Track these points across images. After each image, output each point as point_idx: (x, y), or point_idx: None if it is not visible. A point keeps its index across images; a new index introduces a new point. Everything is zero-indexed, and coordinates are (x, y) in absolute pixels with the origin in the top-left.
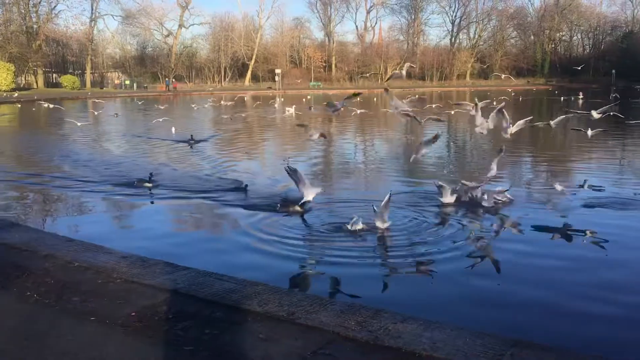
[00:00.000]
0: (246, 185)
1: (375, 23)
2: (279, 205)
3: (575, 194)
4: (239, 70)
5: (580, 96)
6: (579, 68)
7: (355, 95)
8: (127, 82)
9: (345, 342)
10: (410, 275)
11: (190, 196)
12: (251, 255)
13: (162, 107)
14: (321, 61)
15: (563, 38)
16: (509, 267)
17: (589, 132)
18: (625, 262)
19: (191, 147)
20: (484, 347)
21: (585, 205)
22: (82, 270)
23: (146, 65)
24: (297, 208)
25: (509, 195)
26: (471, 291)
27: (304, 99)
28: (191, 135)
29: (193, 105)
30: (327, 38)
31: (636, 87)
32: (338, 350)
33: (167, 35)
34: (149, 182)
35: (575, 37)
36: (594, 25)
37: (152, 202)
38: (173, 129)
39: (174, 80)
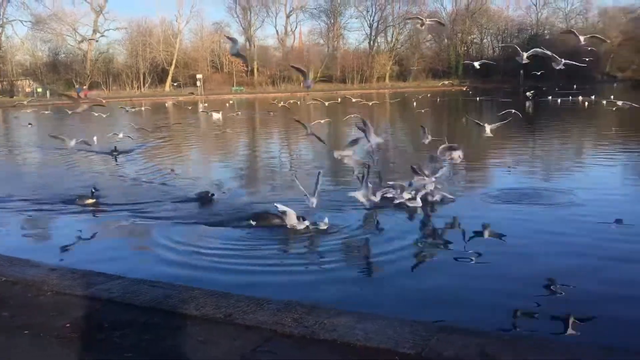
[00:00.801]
0: (212, 195)
1: (296, 27)
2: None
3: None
4: (159, 75)
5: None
6: (477, 66)
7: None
8: (39, 89)
9: (283, 339)
10: (346, 274)
11: (140, 211)
12: (186, 263)
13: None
14: (243, 66)
15: (474, 41)
16: (435, 264)
17: (487, 129)
18: (525, 254)
19: (115, 158)
20: (412, 334)
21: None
22: (10, 285)
23: (59, 72)
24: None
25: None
26: (402, 286)
27: (227, 104)
28: (115, 146)
29: (102, 115)
30: (248, 42)
31: (542, 87)
32: (276, 347)
33: (82, 41)
34: (91, 198)
35: (485, 40)
36: (502, 28)
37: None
38: (95, 139)
39: (84, 87)
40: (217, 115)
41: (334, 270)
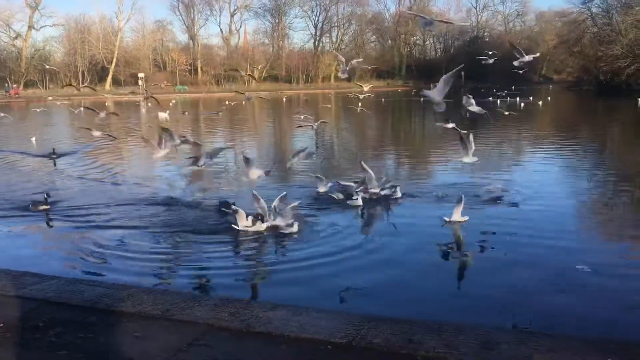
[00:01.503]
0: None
1: (240, 26)
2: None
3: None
4: (99, 74)
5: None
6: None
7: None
8: None
9: (220, 332)
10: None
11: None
12: (124, 262)
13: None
14: (186, 64)
15: (417, 42)
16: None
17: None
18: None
19: (54, 162)
20: (346, 324)
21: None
22: None
23: None
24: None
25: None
26: (344, 282)
27: (170, 103)
28: (53, 149)
29: (38, 110)
30: (191, 41)
31: (481, 88)
32: (212, 340)
33: (16, 38)
34: (45, 204)
35: (428, 42)
36: (444, 30)
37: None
38: (33, 139)
39: (14, 85)
40: (163, 115)
41: (283, 270)
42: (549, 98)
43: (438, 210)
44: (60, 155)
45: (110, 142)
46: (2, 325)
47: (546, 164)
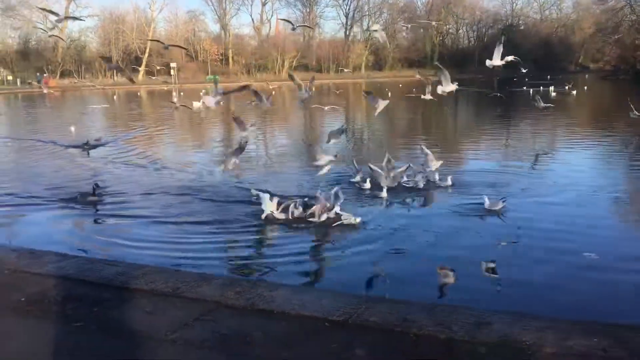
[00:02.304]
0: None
1: (272, 16)
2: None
3: None
4: (132, 64)
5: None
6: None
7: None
8: (10, 77)
9: (225, 309)
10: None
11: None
12: (148, 245)
13: (49, 106)
14: (218, 54)
15: (450, 31)
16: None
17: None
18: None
19: (87, 153)
20: (344, 304)
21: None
22: None
23: (30, 59)
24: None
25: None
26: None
27: (201, 92)
28: (87, 140)
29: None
30: (223, 31)
31: (514, 78)
32: (218, 316)
33: (53, 28)
34: (93, 195)
35: (460, 30)
36: (477, 18)
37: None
38: (72, 129)
39: (45, 75)
40: (197, 104)
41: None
42: (585, 87)
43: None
44: (94, 146)
45: (146, 133)
46: (24, 299)
47: (579, 155)
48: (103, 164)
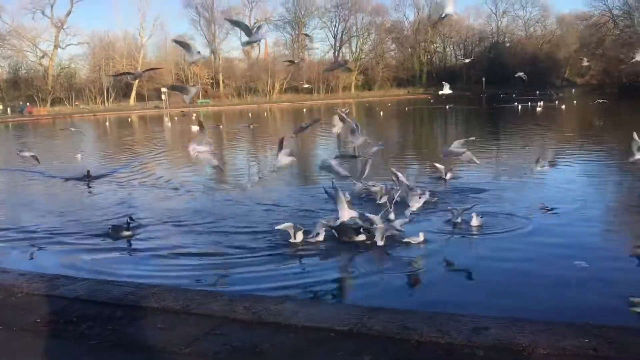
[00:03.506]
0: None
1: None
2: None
3: None
4: (123, 89)
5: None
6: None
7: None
8: (0, 106)
9: (234, 323)
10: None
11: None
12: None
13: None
14: (208, 78)
15: (437, 49)
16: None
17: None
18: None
19: (88, 184)
20: (348, 315)
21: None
22: None
23: (20, 88)
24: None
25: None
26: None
27: (193, 116)
28: (87, 171)
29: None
30: (212, 55)
31: (501, 94)
32: (226, 330)
33: (42, 57)
34: (127, 230)
35: (448, 49)
36: (464, 37)
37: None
38: (79, 156)
39: (28, 104)
40: (196, 128)
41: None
42: (574, 102)
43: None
44: (94, 177)
45: (146, 163)
46: (38, 320)
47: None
48: (120, 192)
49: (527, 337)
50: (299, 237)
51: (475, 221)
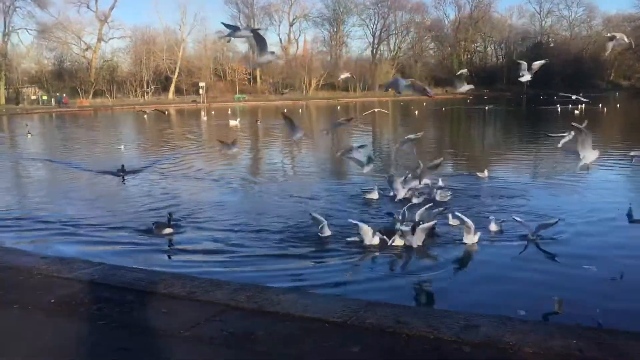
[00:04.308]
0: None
1: (299, 35)
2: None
3: None
4: (162, 83)
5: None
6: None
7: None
8: (45, 97)
9: (235, 311)
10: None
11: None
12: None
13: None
14: (245, 74)
15: (478, 49)
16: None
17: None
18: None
19: (123, 179)
20: (344, 307)
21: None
22: (4, 269)
23: (64, 79)
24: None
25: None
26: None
27: (229, 111)
28: (122, 165)
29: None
30: (251, 51)
31: (541, 96)
32: (228, 317)
33: (86, 50)
34: (169, 227)
35: (489, 48)
36: (505, 36)
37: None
38: (122, 147)
39: (64, 95)
40: (233, 122)
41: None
42: (618, 105)
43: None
44: (129, 172)
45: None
46: (53, 300)
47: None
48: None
49: (516, 336)
50: (375, 239)
51: (494, 227)
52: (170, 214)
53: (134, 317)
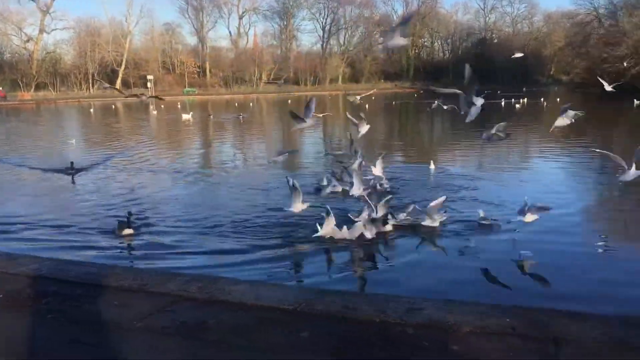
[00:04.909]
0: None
1: (249, 29)
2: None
3: None
4: (109, 76)
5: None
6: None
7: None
8: None
9: (186, 302)
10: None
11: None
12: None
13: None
14: (195, 67)
15: (425, 44)
16: None
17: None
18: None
19: (72, 178)
20: (296, 296)
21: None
22: None
23: (4, 72)
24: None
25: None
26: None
27: (178, 104)
28: (71, 163)
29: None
30: (200, 44)
31: (485, 91)
32: (179, 308)
33: (27, 41)
34: (129, 227)
35: (435, 44)
36: (451, 32)
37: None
38: (73, 141)
39: (1, 88)
40: (186, 116)
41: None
42: (558, 99)
43: None
44: (78, 170)
45: (129, 155)
46: (1, 296)
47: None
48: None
49: (456, 317)
50: (334, 230)
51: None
52: (129, 213)
53: (85, 311)
